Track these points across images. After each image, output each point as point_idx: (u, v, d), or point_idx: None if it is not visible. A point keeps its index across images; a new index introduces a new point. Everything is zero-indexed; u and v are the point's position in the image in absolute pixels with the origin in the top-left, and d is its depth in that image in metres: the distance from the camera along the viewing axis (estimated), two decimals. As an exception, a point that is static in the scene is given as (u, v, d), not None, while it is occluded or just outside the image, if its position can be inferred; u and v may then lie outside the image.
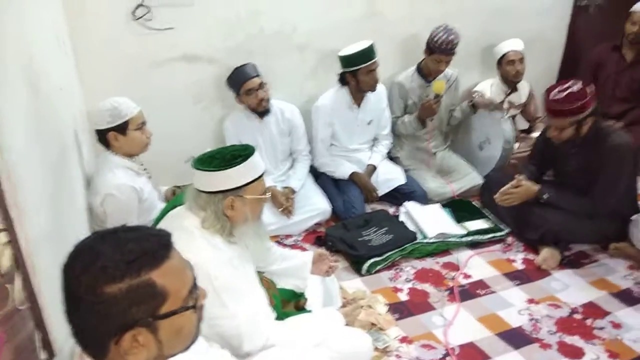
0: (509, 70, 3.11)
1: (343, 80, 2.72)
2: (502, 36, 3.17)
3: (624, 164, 2.31)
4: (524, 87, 3.27)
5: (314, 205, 2.66)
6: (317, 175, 2.88)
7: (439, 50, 2.75)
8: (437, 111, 2.84)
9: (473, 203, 2.87)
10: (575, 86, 2.22)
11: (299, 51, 2.83)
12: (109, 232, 0.84)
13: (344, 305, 2.04)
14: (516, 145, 3.16)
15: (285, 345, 1.54)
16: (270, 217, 2.56)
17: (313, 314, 1.75)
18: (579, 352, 1.91)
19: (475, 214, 2.76)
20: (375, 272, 2.35)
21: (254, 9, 2.64)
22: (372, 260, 2.34)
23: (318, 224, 2.70)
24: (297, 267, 1.91)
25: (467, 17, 3.16)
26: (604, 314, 2.11)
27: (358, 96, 2.77)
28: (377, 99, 2.87)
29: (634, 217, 2.46)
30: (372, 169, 2.87)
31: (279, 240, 2.57)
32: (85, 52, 2.38)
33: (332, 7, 2.81)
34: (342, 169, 2.81)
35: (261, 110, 2.60)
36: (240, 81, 2.51)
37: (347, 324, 1.82)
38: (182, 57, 2.59)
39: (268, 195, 1.54)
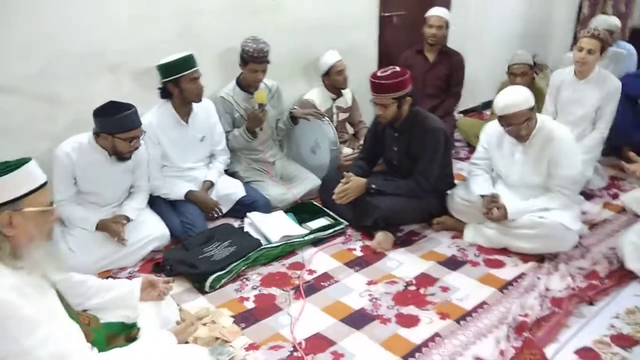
0: (339, 79, 3.31)
1: (165, 92, 2.62)
2: (321, 49, 3.37)
3: (438, 145, 2.58)
4: (347, 93, 3.50)
5: (148, 231, 2.48)
6: (152, 199, 2.70)
7: (252, 59, 2.81)
8: (264, 120, 2.89)
9: (314, 203, 2.95)
10: (396, 68, 2.52)
11: (110, 72, 2.66)
12: None
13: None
14: (350, 150, 3.37)
15: (107, 380, 1.38)
16: (97, 251, 2.33)
17: (139, 340, 1.60)
18: (415, 320, 2.03)
19: (317, 213, 2.84)
20: (221, 287, 2.25)
21: (51, 31, 2.42)
22: (215, 275, 2.24)
23: (157, 251, 2.53)
24: (123, 296, 1.74)
25: (286, 33, 3.29)
26: (433, 281, 2.29)
27: (184, 111, 2.69)
28: (207, 115, 2.82)
29: (449, 191, 2.75)
30: (209, 185, 2.78)
31: (112, 275, 2.34)
32: None
33: (143, 27, 2.70)
34: (177, 189, 2.68)
35: (125, 157, 2.34)
36: (125, 127, 2.23)
37: (183, 342, 1.69)
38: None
39: (53, 207, 1.38)
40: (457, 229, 2.69)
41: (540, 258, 2.42)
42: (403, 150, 2.68)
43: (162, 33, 2.77)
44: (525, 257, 2.44)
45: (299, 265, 2.42)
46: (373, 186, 2.61)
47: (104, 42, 2.61)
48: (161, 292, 1.82)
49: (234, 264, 2.32)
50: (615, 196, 3.12)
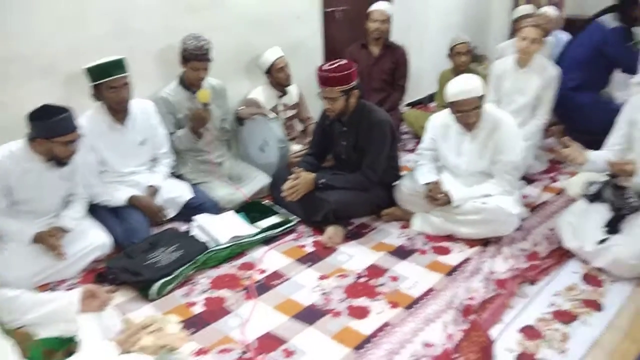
0: (281, 77, 3.29)
1: (95, 95, 2.52)
2: (265, 46, 3.33)
3: (385, 137, 2.62)
4: (293, 89, 3.48)
5: (89, 241, 2.37)
6: (92, 207, 2.58)
7: (193, 57, 2.75)
8: (208, 119, 2.82)
9: (263, 202, 2.91)
10: (343, 61, 2.53)
11: (41, 76, 2.52)
12: None
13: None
14: (299, 147, 3.36)
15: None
16: (34, 265, 2.21)
17: (78, 354, 1.53)
18: (366, 311, 2.04)
19: (267, 212, 2.81)
20: (168, 293, 2.19)
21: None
22: (161, 282, 2.17)
23: (99, 260, 2.42)
24: (61, 309, 1.66)
25: (227, 30, 3.23)
26: (383, 271, 2.31)
27: (118, 115, 2.58)
28: (147, 116, 2.72)
29: (396, 182, 2.79)
30: (154, 190, 2.68)
31: (50, 288, 2.23)
32: None
33: (71, 28, 2.57)
34: (118, 195, 2.58)
35: (63, 162, 2.24)
36: (61, 131, 2.13)
37: (127, 352, 1.63)
38: None
39: None
40: (405, 218, 2.73)
41: (484, 242, 2.50)
42: (351, 144, 2.69)
43: (92, 34, 2.65)
44: (470, 242, 2.50)
45: (250, 266, 2.39)
46: (322, 181, 2.61)
47: (32, 45, 2.47)
48: (102, 302, 1.75)
49: (181, 268, 2.26)
50: (554, 179, 3.26)
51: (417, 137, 3.98)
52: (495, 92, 3.39)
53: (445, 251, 2.46)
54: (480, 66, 4.39)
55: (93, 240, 2.38)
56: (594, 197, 2.39)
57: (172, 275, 2.22)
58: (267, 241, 2.58)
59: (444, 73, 3.91)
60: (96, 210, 2.57)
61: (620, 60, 3.33)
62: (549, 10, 4.15)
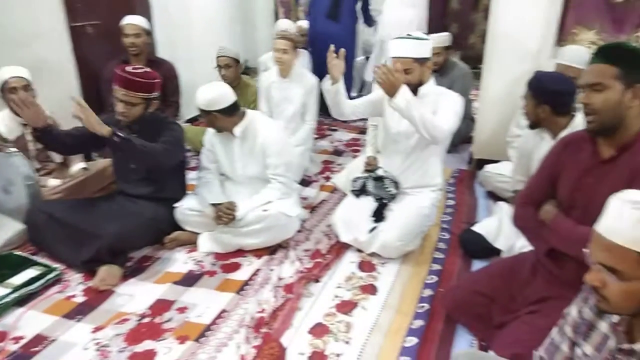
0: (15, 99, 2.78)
1: None
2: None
3: (179, 134, 2.55)
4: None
5: None
6: None
7: None
8: None
9: (15, 254, 2.42)
10: (147, 68, 2.45)
11: None
12: None
13: None
14: (57, 181, 2.89)
15: None
16: None
17: None
18: (151, 355, 1.83)
19: (21, 265, 2.32)
20: None
21: None
22: None
23: None
24: None
25: None
26: (170, 305, 2.12)
27: None
28: None
29: (177, 204, 2.62)
30: None
31: None
32: None
33: None
34: None
35: None
36: None
37: None
38: None
39: None
40: (191, 241, 2.58)
41: (272, 250, 2.52)
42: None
43: None
44: (259, 252, 2.50)
45: (1, 336, 1.93)
46: (116, 137, 2.24)
47: None
48: None
49: None
50: (327, 178, 3.53)
51: (199, 153, 3.87)
52: (267, 103, 3.55)
53: (234, 268, 2.41)
54: (253, 79, 4.52)
55: None
56: (360, 192, 2.64)
57: None
58: (22, 301, 2.13)
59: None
60: None
61: None
62: (303, 25, 4.52)
